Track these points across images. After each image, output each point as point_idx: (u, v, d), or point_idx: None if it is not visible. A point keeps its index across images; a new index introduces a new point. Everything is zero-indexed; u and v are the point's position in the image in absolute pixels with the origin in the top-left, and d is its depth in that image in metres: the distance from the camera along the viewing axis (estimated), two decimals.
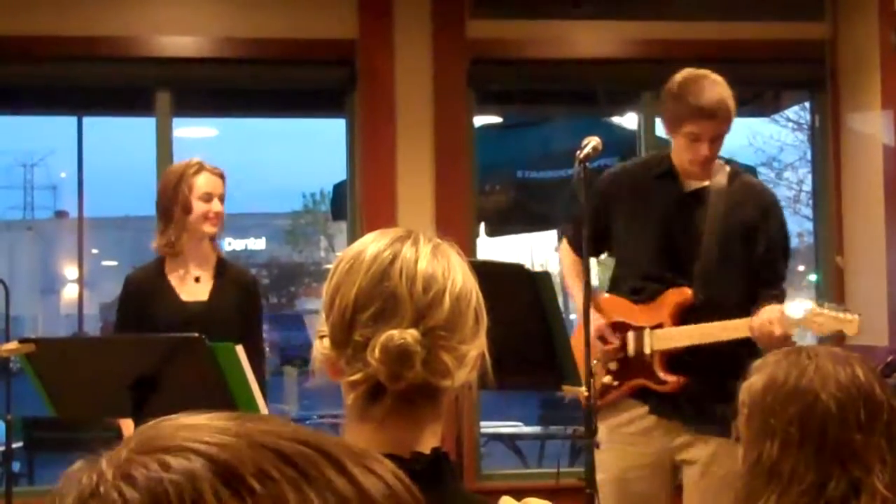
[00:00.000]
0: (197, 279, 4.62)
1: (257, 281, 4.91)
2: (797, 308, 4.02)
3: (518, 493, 1.72)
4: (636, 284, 4.32)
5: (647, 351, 4.23)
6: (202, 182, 4.59)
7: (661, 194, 4.32)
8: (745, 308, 4.12)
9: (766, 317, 3.99)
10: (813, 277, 7.96)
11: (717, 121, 4.19)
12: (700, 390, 4.14)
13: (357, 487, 0.80)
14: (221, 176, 4.66)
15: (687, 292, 4.19)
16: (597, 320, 4.16)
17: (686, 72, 4.34)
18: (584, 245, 3.97)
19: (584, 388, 3.71)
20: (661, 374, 4.20)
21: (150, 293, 4.60)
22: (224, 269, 4.71)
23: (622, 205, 4.38)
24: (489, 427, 8.25)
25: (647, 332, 4.24)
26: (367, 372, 1.72)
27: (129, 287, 4.69)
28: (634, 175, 4.45)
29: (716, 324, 4.11)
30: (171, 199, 4.57)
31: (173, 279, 4.61)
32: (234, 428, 0.82)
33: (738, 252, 4.24)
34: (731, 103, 4.23)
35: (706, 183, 4.29)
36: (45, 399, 4.12)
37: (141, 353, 3.98)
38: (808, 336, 4.28)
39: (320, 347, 1.80)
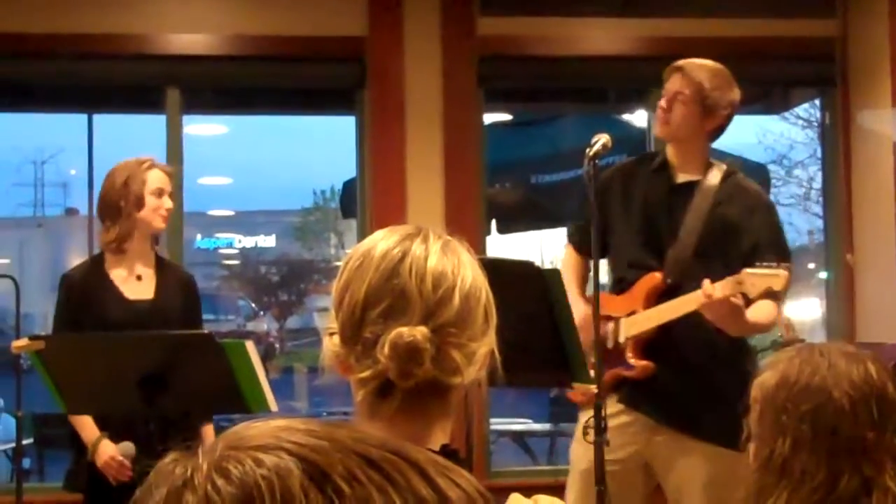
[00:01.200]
0: (139, 277, 4.63)
1: (194, 280, 4.93)
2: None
3: (527, 491, 1.72)
4: (622, 274, 4.33)
5: (622, 339, 4.23)
6: (154, 177, 4.62)
7: (651, 185, 4.35)
8: None
9: (708, 283, 3.93)
10: (823, 275, 7.94)
11: (672, 80, 4.31)
12: (672, 380, 4.11)
13: (439, 495, 0.82)
14: (171, 174, 4.69)
15: (657, 277, 4.18)
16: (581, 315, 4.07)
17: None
18: (593, 243, 3.97)
19: (594, 386, 3.71)
20: (631, 360, 4.19)
21: (92, 292, 4.60)
22: (164, 268, 4.74)
23: (615, 199, 4.42)
24: (499, 424, 8.24)
25: (622, 320, 4.24)
26: (376, 369, 1.72)
27: (70, 286, 4.67)
28: (628, 170, 4.50)
29: (671, 301, 4.10)
30: (121, 195, 4.57)
31: (115, 277, 4.61)
32: (324, 432, 0.84)
33: (716, 247, 4.22)
34: (691, 67, 4.34)
35: (698, 177, 4.29)
36: (54, 396, 4.13)
37: (150, 350, 3.99)
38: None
39: (330, 344, 1.80)
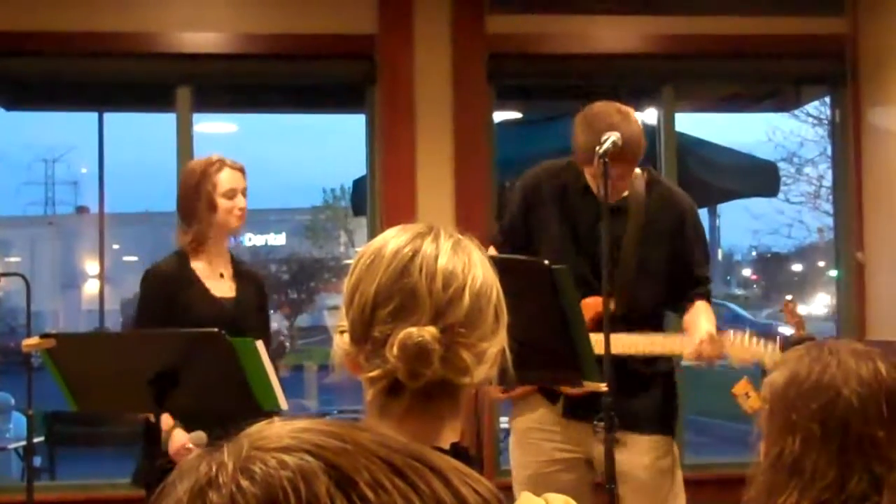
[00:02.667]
0: (221, 275, 4.62)
1: (263, 279, 4.96)
2: (727, 334, 4.14)
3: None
4: None
5: None
6: (225, 178, 4.57)
7: (585, 204, 4.35)
8: (659, 317, 4.38)
9: (698, 340, 4.12)
10: (833, 273, 7.93)
11: (630, 161, 4.22)
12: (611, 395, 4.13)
13: (460, 501, 0.82)
14: (242, 170, 4.64)
15: (607, 302, 4.03)
16: None
17: (598, 106, 4.30)
18: (604, 247, 3.97)
19: (604, 385, 3.71)
20: None
21: (179, 286, 4.56)
22: (240, 268, 4.73)
23: (546, 210, 4.43)
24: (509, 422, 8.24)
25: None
26: (385, 369, 1.72)
27: (155, 280, 4.61)
28: (555, 183, 4.46)
29: (659, 338, 4.22)
30: (195, 198, 4.54)
31: (202, 275, 4.60)
32: (348, 435, 0.84)
33: (656, 261, 4.32)
34: (643, 141, 4.28)
35: (625, 194, 4.32)
36: (65, 394, 4.13)
37: (161, 347, 3.99)
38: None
39: (340, 343, 1.80)
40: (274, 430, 0.85)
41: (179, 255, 4.64)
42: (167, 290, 4.57)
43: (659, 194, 4.38)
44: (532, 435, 4.40)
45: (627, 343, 4.15)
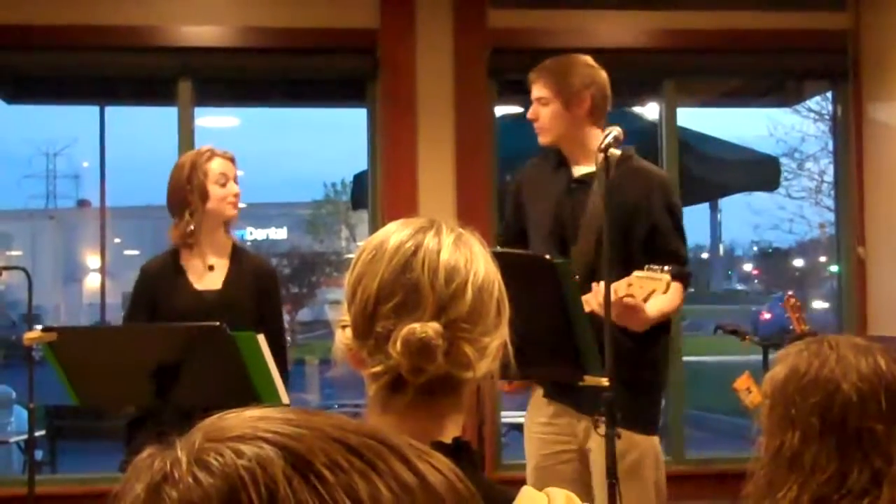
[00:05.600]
0: (211, 267, 4.61)
1: (275, 270, 4.88)
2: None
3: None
4: None
5: None
6: (216, 166, 4.57)
7: (554, 182, 4.41)
8: None
9: (595, 288, 3.96)
10: (834, 268, 7.94)
11: (532, 91, 4.45)
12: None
13: (420, 479, 0.82)
14: (232, 160, 4.65)
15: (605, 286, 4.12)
16: None
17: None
18: (605, 238, 3.97)
19: (605, 379, 3.71)
20: None
21: (165, 283, 4.59)
22: (240, 257, 4.69)
23: (526, 196, 4.53)
24: (510, 417, 8.23)
25: None
26: (388, 364, 1.71)
27: (145, 277, 4.66)
28: (537, 167, 4.57)
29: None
30: (187, 189, 4.54)
31: (189, 269, 4.59)
32: (302, 420, 0.84)
33: (616, 235, 4.15)
34: (538, 70, 4.51)
35: (593, 168, 4.29)
36: (67, 387, 4.14)
37: (162, 341, 3.99)
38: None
39: (342, 337, 1.80)
40: (228, 422, 0.85)
41: (171, 251, 4.65)
42: (153, 288, 4.61)
43: (628, 169, 4.27)
44: (532, 428, 4.46)
45: None
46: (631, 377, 4.20)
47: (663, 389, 4.61)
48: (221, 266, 4.62)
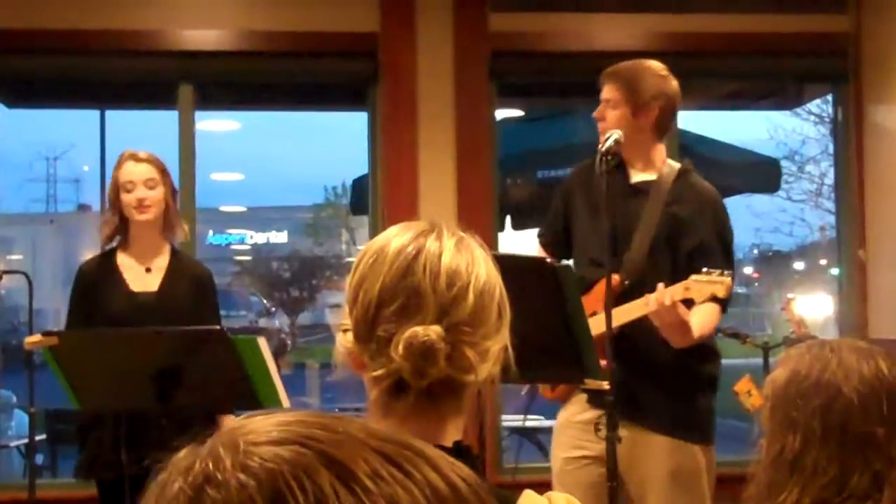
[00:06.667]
0: (148, 269, 4.69)
1: (212, 275, 4.94)
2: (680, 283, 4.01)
3: (540, 487, 1.72)
4: (583, 273, 4.32)
5: None
6: (125, 172, 4.69)
7: (609, 185, 4.37)
8: None
9: (662, 288, 3.97)
10: (835, 271, 7.93)
11: (603, 91, 4.44)
12: (632, 378, 4.10)
13: (452, 488, 0.83)
14: (150, 161, 4.71)
15: (615, 278, 4.15)
16: None
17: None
18: (607, 242, 3.97)
19: (606, 382, 3.71)
20: None
21: (100, 284, 4.68)
22: (177, 261, 4.78)
23: (577, 199, 4.50)
24: (511, 421, 8.24)
25: None
26: (390, 368, 1.72)
27: (80, 278, 4.77)
28: (590, 169, 4.51)
29: (624, 305, 4.10)
30: (112, 191, 4.70)
31: (125, 270, 4.69)
32: (339, 426, 0.84)
33: (667, 246, 4.27)
34: (613, 71, 4.52)
35: (653, 176, 4.34)
36: (67, 391, 4.14)
37: (163, 345, 3.99)
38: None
39: (343, 341, 1.80)
40: (259, 424, 0.84)
41: (106, 252, 4.78)
42: (88, 287, 4.72)
43: (686, 184, 4.35)
44: (563, 430, 4.42)
45: (601, 319, 4.14)
46: (689, 378, 4.25)
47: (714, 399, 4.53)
48: (159, 269, 4.70)
